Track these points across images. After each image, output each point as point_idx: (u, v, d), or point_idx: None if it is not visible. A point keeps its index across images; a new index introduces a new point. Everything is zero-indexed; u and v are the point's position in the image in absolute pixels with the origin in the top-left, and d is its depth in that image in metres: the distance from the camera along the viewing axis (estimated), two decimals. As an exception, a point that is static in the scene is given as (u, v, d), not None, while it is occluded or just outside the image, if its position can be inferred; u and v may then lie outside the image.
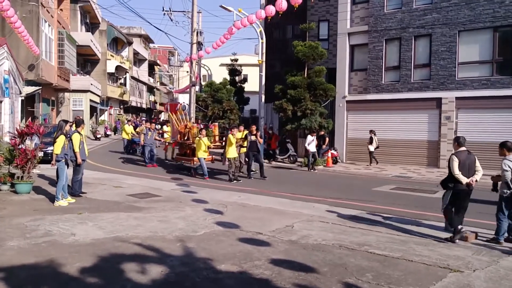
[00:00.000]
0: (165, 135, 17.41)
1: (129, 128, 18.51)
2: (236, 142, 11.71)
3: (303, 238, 5.78)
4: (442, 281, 4.31)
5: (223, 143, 12.70)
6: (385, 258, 4.98)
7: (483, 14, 15.02)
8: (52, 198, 7.77)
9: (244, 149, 12.16)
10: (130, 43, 39.13)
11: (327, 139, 16.85)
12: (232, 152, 11.31)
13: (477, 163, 6.08)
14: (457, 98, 15.64)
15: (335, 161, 16.55)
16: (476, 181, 5.98)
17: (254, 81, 26.99)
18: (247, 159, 12.31)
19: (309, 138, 14.62)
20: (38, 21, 18.33)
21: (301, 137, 18.68)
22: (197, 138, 11.84)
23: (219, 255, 4.89)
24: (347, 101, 18.17)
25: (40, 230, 5.73)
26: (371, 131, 16.26)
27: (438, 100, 16.03)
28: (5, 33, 17.05)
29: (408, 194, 10.21)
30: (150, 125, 15.01)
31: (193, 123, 14.28)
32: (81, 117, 9.96)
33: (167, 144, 16.05)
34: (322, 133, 16.58)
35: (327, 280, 4.24)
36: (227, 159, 11.41)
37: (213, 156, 13.32)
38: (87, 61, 31.14)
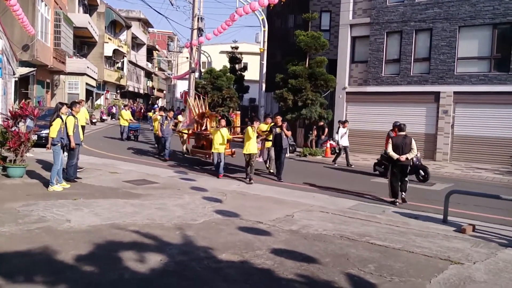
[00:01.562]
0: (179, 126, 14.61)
1: (126, 114, 18.14)
2: (259, 136, 10.22)
3: (304, 228, 5.72)
4: (443, 273, 4.29)
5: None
6: (386, 249, 4.94)
7: (483, 10, 15.04)
8: (46, 183, 7.60)
9: (270, 143, 10.63)
10: (128, 27, 38.45)
11: (326, 129, 16.78)
12: (249, 148, 9.48)
13: (413, 145, 7.55)
14: (455, 92, 15.67)
15: (333, 152, 16.47)
16: (407, 158, 7.54)
17: (254, 70, 26.75)
18: (270, 156, 10.71)
19: (342, 130, 13.83)
20: (34, 0, 17.83)
21: (300, 127, 18.58)
22: (213, 128, 10.59)
23: (219, 244, 4.80)
24: (347, 93, 18.08)
25: (33, 216, 5.58)
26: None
27: (437, 94, 16.02)
28: (-1, 12, 16.56)
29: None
30: (167, 113, 13.39)
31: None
32: (82, 100, 9.43)
33: (182, 134, 13.41)
34: (322, 123, 16.50)
35: (329, 270, 4.18)
36: (245, 155, 9.64)
37: (234, 149, 11.62)
38: (84, 43, 30.58)
